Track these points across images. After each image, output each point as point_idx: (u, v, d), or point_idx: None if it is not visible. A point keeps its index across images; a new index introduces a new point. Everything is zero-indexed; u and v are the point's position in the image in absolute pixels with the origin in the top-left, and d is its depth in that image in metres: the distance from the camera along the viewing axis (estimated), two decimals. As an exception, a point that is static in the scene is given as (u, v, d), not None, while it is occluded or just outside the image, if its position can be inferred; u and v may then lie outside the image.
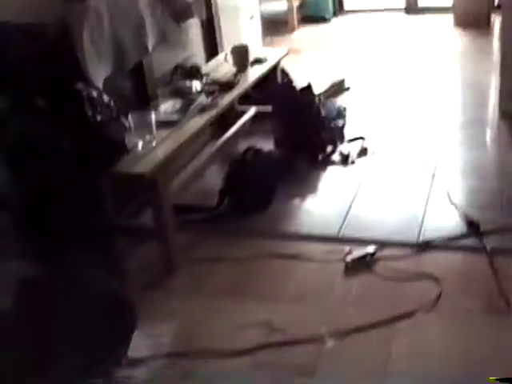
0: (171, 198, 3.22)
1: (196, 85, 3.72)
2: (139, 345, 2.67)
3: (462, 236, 3.17)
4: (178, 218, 3.38)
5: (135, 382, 2.47)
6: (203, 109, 3.50)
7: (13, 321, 1.51)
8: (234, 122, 4.34)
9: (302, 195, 3.70)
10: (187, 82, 3.74)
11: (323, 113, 4.15)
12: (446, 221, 3.33)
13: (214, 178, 3.88)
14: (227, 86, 3.81)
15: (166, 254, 3.17)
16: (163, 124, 3.30)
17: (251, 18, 5.30)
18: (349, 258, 3.02)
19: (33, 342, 1.49)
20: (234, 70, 4.11)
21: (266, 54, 4.41)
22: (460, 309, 2.70)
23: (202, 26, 4.40)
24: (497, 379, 1.52)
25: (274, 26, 6.74)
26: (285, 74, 4.73)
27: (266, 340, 2.61)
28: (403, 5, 7.48)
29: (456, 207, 3.40)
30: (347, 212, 3.44)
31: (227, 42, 4.52)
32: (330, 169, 3.96)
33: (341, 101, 4.88)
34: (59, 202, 2.90)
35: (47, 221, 2.87)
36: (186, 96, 3.61)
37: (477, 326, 2.59)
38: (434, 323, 2.62)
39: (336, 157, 4.06)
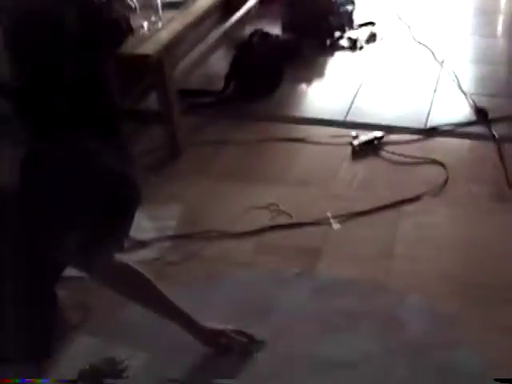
0: (177, 82, 3.15)
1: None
2: (144, 227, 2.68)
3: (471, 123, 3.13)
4: (183, 102, 3.32)
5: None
6: (210, -10, 3.37)
7: (18, 197, 1.47)
8: (240, 6, 4.20)
9: (309, 80, 3.62)
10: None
11: (332, -3, 4.01)
12: (454, 108, 3.27)
13: (221, 62, 3.78)
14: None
15: (171, 138, 3.13)
16: (169, 5, 3.18)
17: None
18: (356, 142, 2.98)
19: (37, 217, 1.46)
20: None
21: None
22: (466, 194, 2.68)
23: None
24: (496, 379, 1.52)
25: None
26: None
27: (272, 222, 2.61)
28: None
29: (465, 94, 3.34)
30: (354, 97, 3.38)
31: None
32: (338, 54, 3.86)
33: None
34: (64, 84, 2.85)
35: (51, 103, 2.82)
36: (192, -24, 3.47)
37: (482, 211, 2.57)
38: (439, 208, 2.61)
39: (344, 42, 3.96)
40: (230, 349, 2.02)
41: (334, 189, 2.78)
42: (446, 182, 2.74)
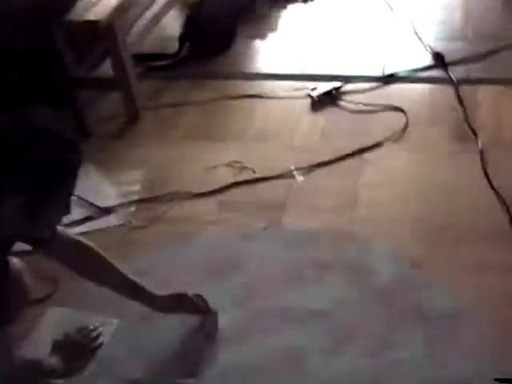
0: (131, 47, 3.09)
1: None
2: (108, 194, 2.65)
3: (428, 68, 3.12)
4: (139, 66, 3.28)
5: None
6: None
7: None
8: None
9: (264, 35, 3.56)
10: None
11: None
12: (411, 54, 3.25)
13: (174, 24, 3.71)
14: None
15: (129, 103, 3.07)
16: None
17: None
18: (314, 94, 2.95)
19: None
20: None
21: None
22: (426, 138, 2.68)
23: None
24: (496, 379, 1.53)
25: None
26: None
27: (235, 179, 2.59)
28: None
29: (421, 40, 3.32)
30: (310, 49, 3.34)
31: None
32: (291, 7, 3.80)
33: None
34: (16, 57, 2.78)
35: (4, 76, 2.76)
36: None
37: (443, 153, 2.58)
38: (401, 153, 2.61)
39: (296, -6, 3.91)
40: (196, 309, 2.00)
41: (296, 141, 2.76)
42: (405, 127, 2.73)
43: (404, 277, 2.08)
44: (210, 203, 2.52)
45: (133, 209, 2.57)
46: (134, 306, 2.09)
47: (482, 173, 2.42)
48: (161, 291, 1.94)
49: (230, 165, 2.67)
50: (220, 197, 2.54)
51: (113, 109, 3.16)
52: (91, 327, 2.02)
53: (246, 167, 2.65)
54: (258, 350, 1.93)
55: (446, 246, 2.15)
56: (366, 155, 2.61)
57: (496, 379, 1.52)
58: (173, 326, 2.02)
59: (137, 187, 2.67)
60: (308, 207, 2.41)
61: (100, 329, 2.03)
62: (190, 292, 1.98)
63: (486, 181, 2.38)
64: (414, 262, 2.11)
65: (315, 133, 2.79)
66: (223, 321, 2.03)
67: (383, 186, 2.44)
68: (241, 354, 1.93)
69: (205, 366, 1.92)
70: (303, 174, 2.56)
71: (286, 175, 2.57)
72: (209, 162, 2.70)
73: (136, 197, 2.62)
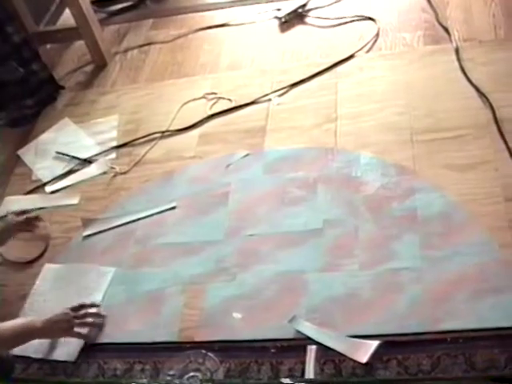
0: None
1: None
2: (86, 145, 2.58)
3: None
4: (100, 12, 3.18)
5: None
6: None
7: None
8: None
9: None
10: None
11: None
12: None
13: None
14: None
15: (95, 51, 2.96)
16: None
17: None
18: (281, 15, 2.83)
19: None
20: None
21: None
22: (400, 44, 2.56)
23: None
24: (493, 379, 1.48)
25: None
26: None
27: (212, 111, 2.50)
28: None
29: None
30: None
31: None
32: None
33: None
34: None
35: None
36: None
37: (418, 56, 2.46)
38: (375, 61, 2.49)
39: None
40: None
41: (268, 65, 2.65)
42: (377, 35, 2.62)
43: (393, 184, 2.00)
44: (189, 139, 2.43)
45: (113, 155, 2.51)
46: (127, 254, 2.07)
47: (459, 71, 2.33)
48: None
49: (204, 97, 2.58)
50: (199, 131, 2.45)
51: (80, 59, 3.08)
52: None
53: (221, 97, 2.55)
54: (254, 277, 1.89)
55: (431, 149, 2.07)
56: (341, 69, 2.49)
57: (493, 379, 1.50)
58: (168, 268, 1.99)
59: (114, 133, 2.59)
60: (288, 128, 2.32)
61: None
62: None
63: (464, 78, 2.29)
64: (401, 169, 2.04)
65: (286, 53, 2.68)
66: (219, 253, 1.99)
67: (362, 97, 2.34)
68: (238, 283, 1.89)
69: (205, 299, 1.88)
70: (280, 96, 2.47)
71: (263, 100, 2.47)
72: (183, 98, 2.60)
73: (114, 143, 2.55)
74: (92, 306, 1.93)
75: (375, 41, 2.61)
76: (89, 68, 3.01)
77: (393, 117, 2.24)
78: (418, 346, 1.61)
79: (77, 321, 1.87)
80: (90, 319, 1.90)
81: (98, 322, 1.91)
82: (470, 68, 2.30)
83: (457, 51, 2.40)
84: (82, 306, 1.91)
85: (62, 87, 2.94)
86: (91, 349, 1.87)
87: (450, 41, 2.47)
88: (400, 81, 2.38)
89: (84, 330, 1.88)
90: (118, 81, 2.87)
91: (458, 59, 2.36)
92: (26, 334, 1.79)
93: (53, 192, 2.45)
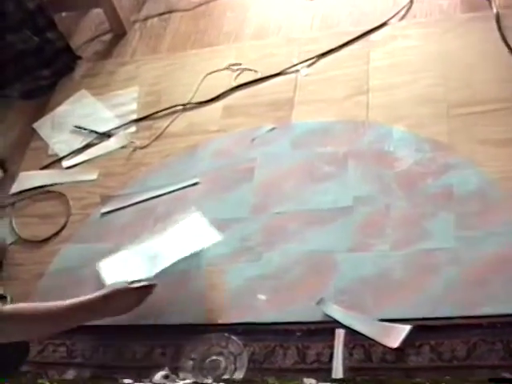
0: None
1: None
2: (105, 118, 2.58)
3: None
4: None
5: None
6: None
7: None
8: None
9: None
10: None
11: None
12: None
13: None
14: None
15: (113, 19, 2.96)
16: None
17: None
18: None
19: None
20: None
21: None
22: (436, 11, 2.52)
23: None
24: (491, 379, 1.45)
25: None
26: None
27: (236, 83, 2.48)
28: None
29: None
30: None
31: None
32: None
33: None
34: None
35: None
36: None
37: (455, 24, 2.41)
38: (409, 30, 2.44)
39: None
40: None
41: (296, 33, 2.61)
42: (411, 1, 2.56)
43: (427, 160, 1.98)
44: (212, 111, 2.42)
45: (133, 129, 2.51)
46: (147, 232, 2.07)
47: (499, 40, 2.28)
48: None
49: (229, 68, 2.56)
50: (222, 103, 2.44)
51: (97, 28, 3.08)
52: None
53: (246, 68, 2.53)
54: (281, 257, 1.88)
55: (468, 123, 2.04)
56: (373, 37, 2.45)
57: (491, 379, 1.48)
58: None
59: (134, 106, 2.59)
60: (317, 101, 2.29)
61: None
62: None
63: (505, 48, 2.25)
64: (436, 144, 2.01)
65: (315, 21, 2.64)
66: (244, 232, 1.98)
67: (395, 68, 2.30)
68: (263, 262, 1.89)
69: (229, 280, 1.88)
70: (308, 67, 2.44)
71: (290, 70, 2.45)
72: (206, 69, 2.58)
73: (134, 116, 2.55)
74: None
75: (409, 8, 2.56)
76: (107, 37, 3.01)
77: (427, 88, 2.20)
78: (452, 330, 1.60)
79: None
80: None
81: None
82: (512, 37, 2.26)
83: (497, 19, 2.34)
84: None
85: (79, 57, 2.94)
86: (110, 331, 1.87)
87: (490, 7, 2.41)
88: (435, 50, 2.33)
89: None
90: (137, 50, 2.87)
91: (499, 27, 2.31)
92: (86, 309, 1.74)
93: (70, 167, 2.46)
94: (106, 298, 1.75)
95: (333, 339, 1.66)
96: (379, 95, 2.24)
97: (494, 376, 1.49)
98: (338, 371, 1.61)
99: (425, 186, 1.92)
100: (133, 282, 1.82)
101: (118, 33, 2.97)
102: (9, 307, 1.67)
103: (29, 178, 2.46)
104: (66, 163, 2.48)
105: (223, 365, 1.71)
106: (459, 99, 2.13)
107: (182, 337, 1.79)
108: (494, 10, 2.39)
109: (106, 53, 2.92)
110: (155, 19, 2.99)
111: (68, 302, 1.71)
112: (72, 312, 1.70)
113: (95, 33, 3.07)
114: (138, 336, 1.85)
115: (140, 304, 1.81)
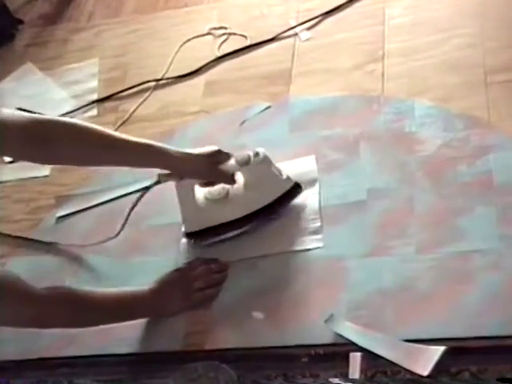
0: None
1: None
2: (59, 98, 2.61)
3: None
4: None
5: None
6: None
7: None
8: None
9: None
10: None
11: None
12: None
13: None
14: None
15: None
16: None
17: None
18: None
19: None
20: None
21: None
22: None
23: None
24: (498, 379, 1.48)
25: None
26: None
27: (221, 52, 2.53)
28: None
29: None
30: None
31: None
32: None
33: None
34: None
35: None
36: None
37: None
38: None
39: None
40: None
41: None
42: None
43: (460, 141, 2.00)
44: (192, 88, 2.47)
45: (94, 112, 2.55)
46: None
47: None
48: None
49: (211, 33, 2.61)
50: (204, 77, 2.49)
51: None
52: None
53: (233, 33, 2.58)
54: (280, 265, 1.92)
55: (511, 92, 2.08)
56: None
57: (498, 379, 1.51)
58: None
59: (93, 83, 2.64)
60: (321, 71, 2.34)
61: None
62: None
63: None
64: (470, 120, 2.03)
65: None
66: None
67: (418, 27, 2.33)
68: (259, 273, 1.92)
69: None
70: (309, 29, 2.49)
71: (287, 35, 2.50)
72: (182, 35, 2.64)
73: (95, 96, 2.59)
74: (212, 260, 1.97)
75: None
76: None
77: (459, 51, 2.23)
78: (496, 353, 1.60)
79: (199, 281, 1.91)
80: (216, 276, 1.93)
81: (222, 279, 1.94)
82: None
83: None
84: (201, 263, 1.95)
85: (21, 21, 2.96)
86: (56, 363, 1.90)
87: None
88: (470, 2, 2.37)
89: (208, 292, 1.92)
90: (95, 13, 2.91)
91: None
92: (130, 304, 1.85)
93: (13, 161, 2.48)
94: (157, 286, 1.87)
95: (347, 365, 1.68)
96: (398, 62, 2.27)
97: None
98: (354, 404, 1.64)
99: (457, 173, 1.94)
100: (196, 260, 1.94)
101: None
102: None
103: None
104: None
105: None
106: (500, 63, 2.15)
107: (159, 367, 1.82)
108: None
109: (55, 16, 2.96)
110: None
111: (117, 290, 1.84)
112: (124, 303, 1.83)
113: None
114: (100, 369, 1.88)
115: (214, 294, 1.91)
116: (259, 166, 1.92)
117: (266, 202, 1.97)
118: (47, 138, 1.68)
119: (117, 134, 1.83)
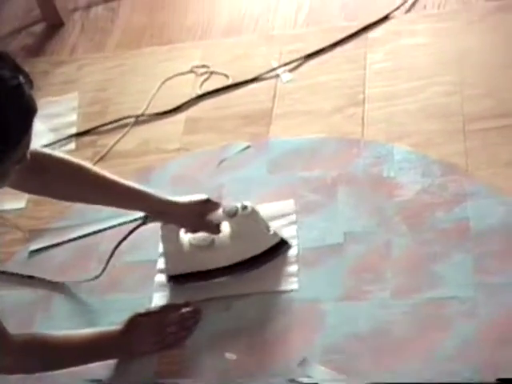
0: None
1: None
2: (38, 131, 2.57)
3: None
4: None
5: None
6: None
7: None
8: None
9: None
10: None
11: None
12: None
13: None
14: None
15: (46, 5, 3.00)
16: None
17: None
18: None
19: None
20: None
21: None
22: (451, 1, 2.60)
23: None
24: (499, 379, 1.51)
25: None
26: None
27: (203, 90, 2.55)
28: None
29: None
30: None
31: None
32: None
33: None
34: None
35: None
36: None
37: (474, 18, 2.48)
38: (416, 24, 2.50)
39: None
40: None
41: (276, 29, 2.70)
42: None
43: (438, 187, 2.02)
44: (172, 125, 2.48)
45: (72, 146, 2.55)
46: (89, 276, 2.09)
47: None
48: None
49: (193, 71, 2.62)
50: (185, 115, 2.50)
51: (26, 15, 3.12)
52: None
53: (214, 72, 2.60)
54: (255, 307, 1.92)
55: (490, 141, 2.09)
56: (371, 35, 2.53)
57: (498, 379, 1.52)
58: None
59: (73, 117, 2.64)
60: (301, 113, 2.36)
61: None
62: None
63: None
64: (449, 167, 2.06)
65: (300, 14, 2.72)
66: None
67: (398, 73, 2.37)
68: (233, 314, 1.92)
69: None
70: (291, 71, 2.51)
71: (269, 76, 2.52)
72: (164, 72, 2.65)
73: (74, 130, 2.59)
74: (185, 305, 1.96)
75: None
76: (38, 28, 3.06)
77: (439, 98, 2.27)
78: (470, 398, 1.62)
79: (171, 327, 1.91)
80: (188, 322, 1.94)
81: (194, 324, 1.94)
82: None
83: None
84: (174, 309, 1.95)
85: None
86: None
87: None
88: (450, 50, 2.40)
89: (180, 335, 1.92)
90: (78, 47, 2.92)
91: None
92: (99, 346, 1.85)
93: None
94: (127, 327, 1.86)
95: (321, 411, 1.69)
96: (378, 107, 2.30)
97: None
98: None
99: (435, 219, 1.96)
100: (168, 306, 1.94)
101: (53, 23, 3.02)
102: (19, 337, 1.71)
103: None
104: (-17, 188, 2.49)
105: None
106: (479, 111, 2.19)
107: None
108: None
109: (38, 49, 2.97)
110: (100, 7, 3.05)
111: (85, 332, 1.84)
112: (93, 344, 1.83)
113: (23, 22, 3.10)
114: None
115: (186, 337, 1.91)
116: (246, 219, 1.93)
117: (250, 255, 1.98)
118: (46, 169, 1.72)
119: (108, 174, 1.85)
